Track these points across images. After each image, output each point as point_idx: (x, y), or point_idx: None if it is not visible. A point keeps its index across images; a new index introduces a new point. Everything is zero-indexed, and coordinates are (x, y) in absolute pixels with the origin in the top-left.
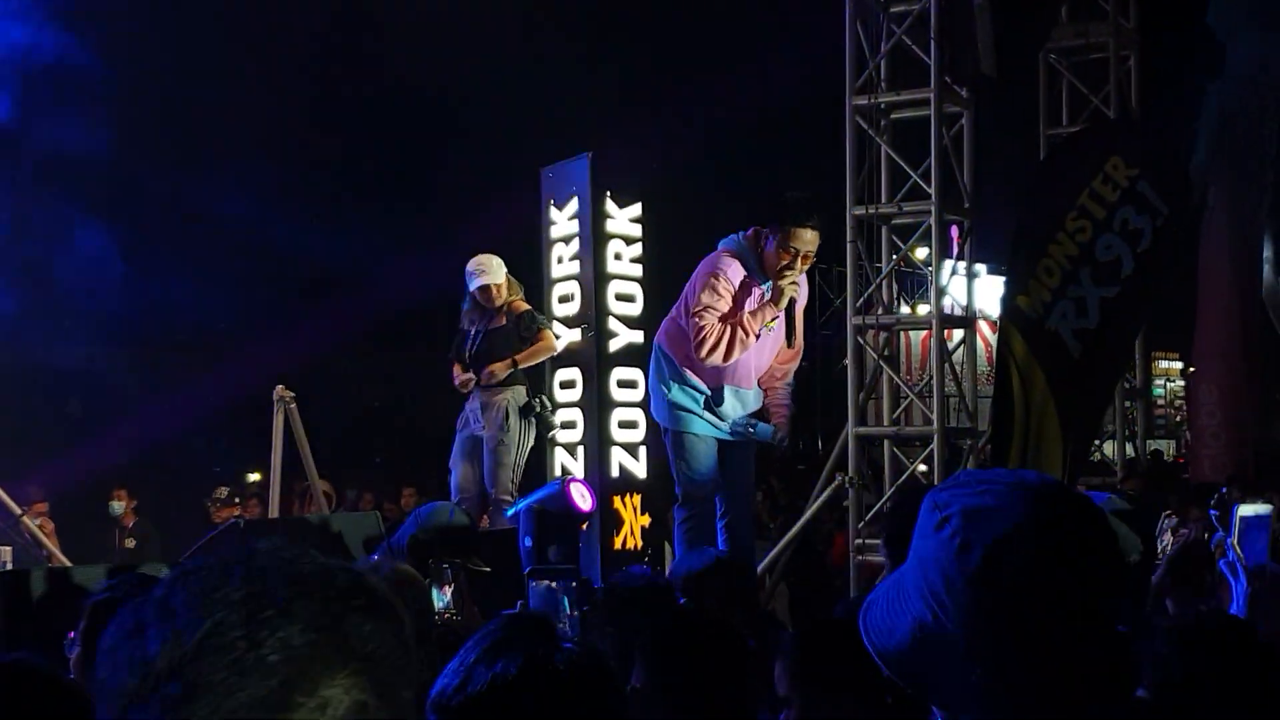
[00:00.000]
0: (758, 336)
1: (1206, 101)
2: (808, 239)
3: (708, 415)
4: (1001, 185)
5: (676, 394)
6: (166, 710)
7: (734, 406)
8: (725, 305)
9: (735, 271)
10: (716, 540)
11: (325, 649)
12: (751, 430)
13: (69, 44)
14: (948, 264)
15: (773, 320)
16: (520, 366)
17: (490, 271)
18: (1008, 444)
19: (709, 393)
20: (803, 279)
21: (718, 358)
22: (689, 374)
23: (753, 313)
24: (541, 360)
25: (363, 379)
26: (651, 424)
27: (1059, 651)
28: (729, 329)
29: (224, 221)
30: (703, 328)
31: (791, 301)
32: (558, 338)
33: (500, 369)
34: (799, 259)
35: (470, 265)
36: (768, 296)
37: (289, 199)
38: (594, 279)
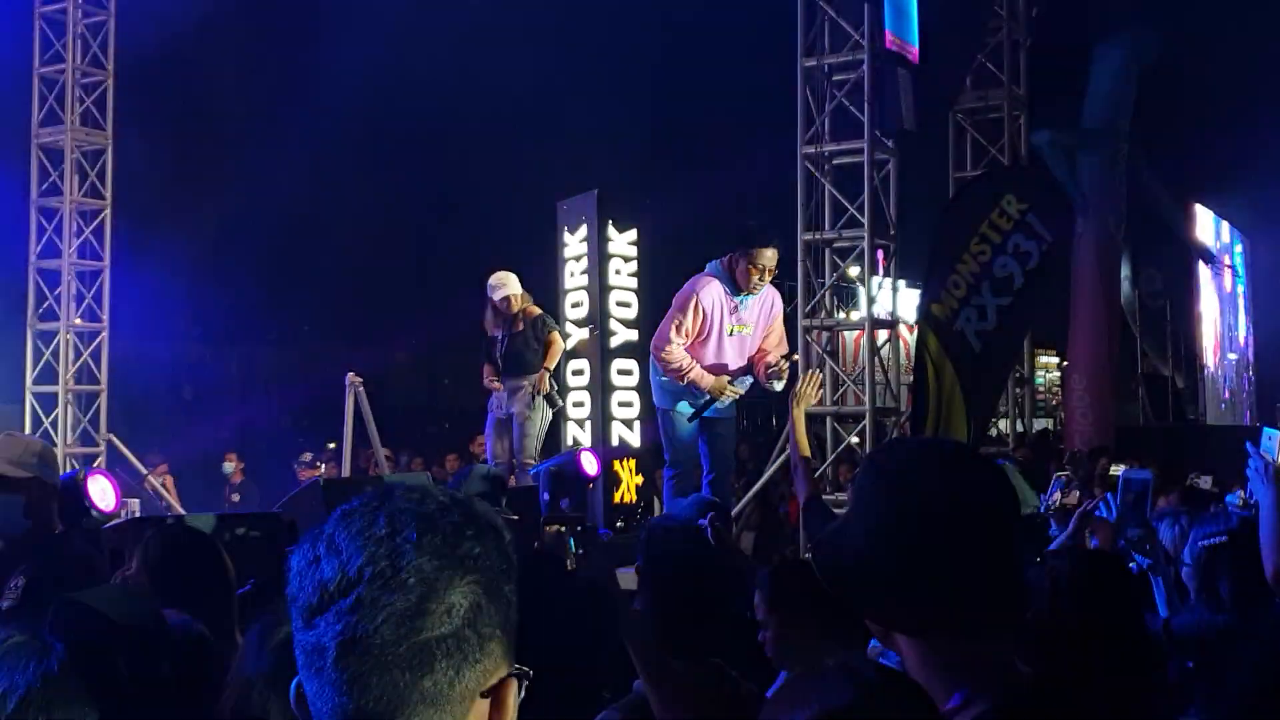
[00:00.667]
0: (731, 335)
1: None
2: (768, 256)
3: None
4: (919, 216)
5: (665, 383)
6: (340, 618)
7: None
8: (686, 330)
9: (709, 292)
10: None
11: (447, 569)
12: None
13: None
14: (876, 279)
15: (742, 326)
16: (552, 369)
17: (508, 285)
18: (924, 420)
19: (698, 399)
20: (774, 291)
21: (692, 375)
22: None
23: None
24: (559, 357)
25: (417, 373)
26: (644, 402)
27: (971, 577)
28: (690, 353)
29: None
30: (668, 363)
31: (773, 310)
32: (566, 336)
33: (542, 382)
34: (764, 273)
35: (492, 280)
36: (741, 309)
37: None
38: (599, 289)
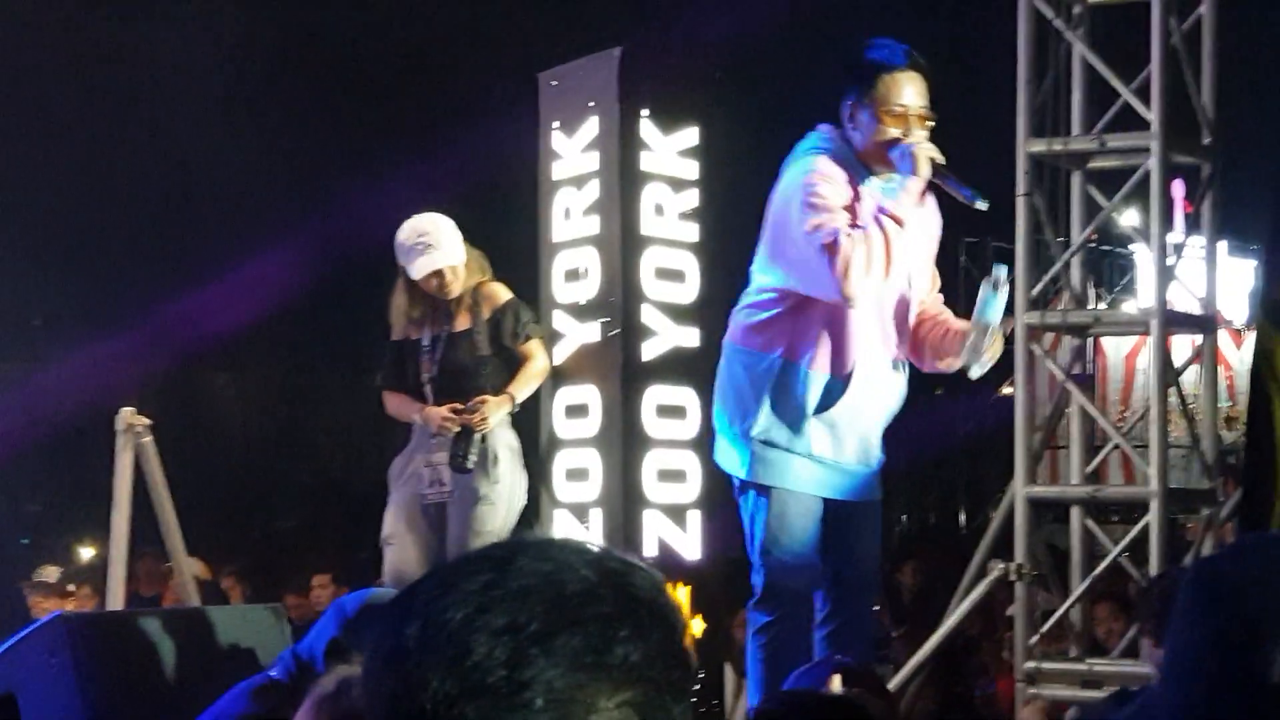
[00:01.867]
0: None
1: None
2: (913, 90)
3: (815, 449)
4: (1262, 110)
5: (764, 421)
6: None
7: (864, 405)
8: (845, 202)
9: (836, 170)
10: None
11: (590, 685)
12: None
13: None
14: (1172, 235)
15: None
16: (519, 402)
17: (440, 243)
18: (1268, 514)
19: (829, 387)
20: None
21: (874, 281)
22: (789, 370)
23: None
24: (540, 382)
25: (250, 393)
26: (709, 469)
27: None
28: (876, 232)
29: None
30: (837, 244)
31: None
32: (556, 340)
33: (495, 408)
34: (914, 120)
35: (404, 235)
36: (897, 192)
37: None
38: (621, 244)
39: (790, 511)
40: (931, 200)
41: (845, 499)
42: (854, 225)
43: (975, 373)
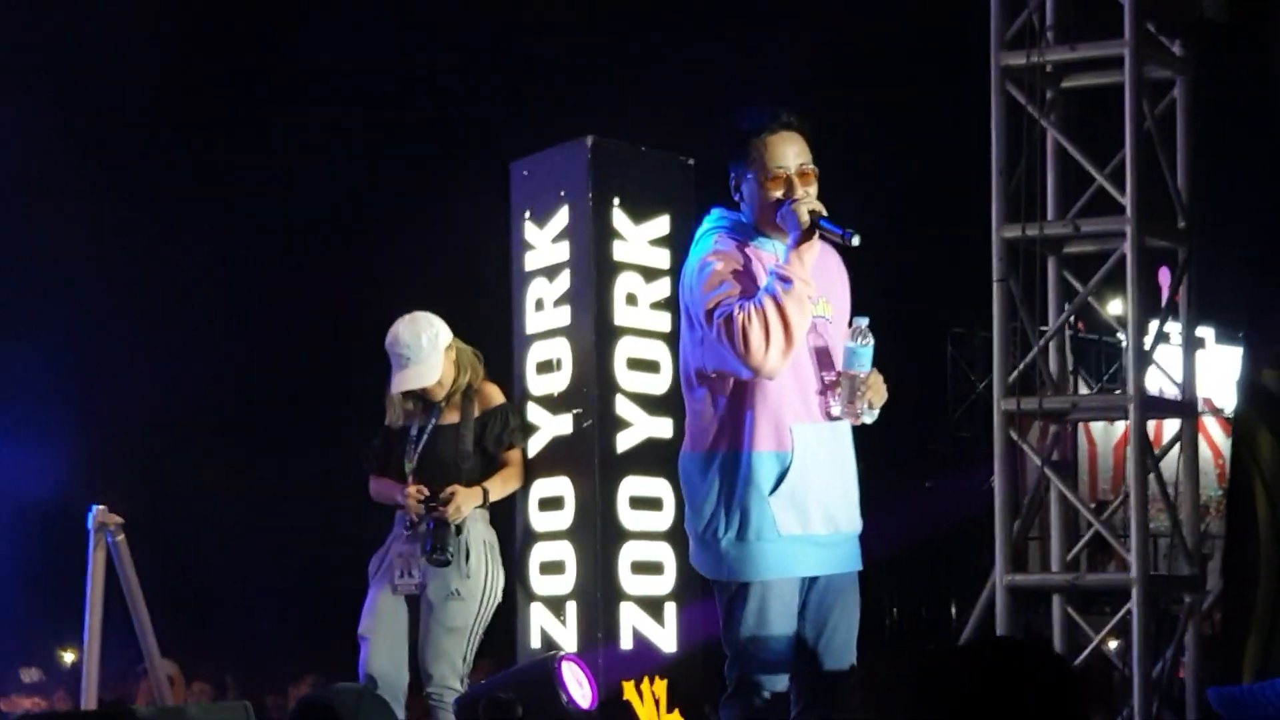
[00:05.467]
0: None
1: None
2: (791, 150)
3: (782, 530)
4: (1238, 191)
5: (725, 519)
6: None
7: (816, 472)
8: (740, 275)
9: (730, 244)
10: None
11: None
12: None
13: None
14: (1153, 323)
15: (815, 305)
16: (492, 499)
17: (418, 359)
18: (1249, 607)
19: (775, 463)
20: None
21: (777, 350)
22: (733, 461)
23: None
24: (517, 487)
25: (228, 484)
26: (687, 565)
27: None
28: (769, 301)
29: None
30: (732, 319)
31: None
32: (532, 432)
33: (467, 499)
34: (796, 178)
35: (389, 339)
36: (788, 252)
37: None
38: (594, 335)
39: (770, 606)
40: (832, 252)
41: (824, 574)
42: (744, 297)
43: (868, 419)
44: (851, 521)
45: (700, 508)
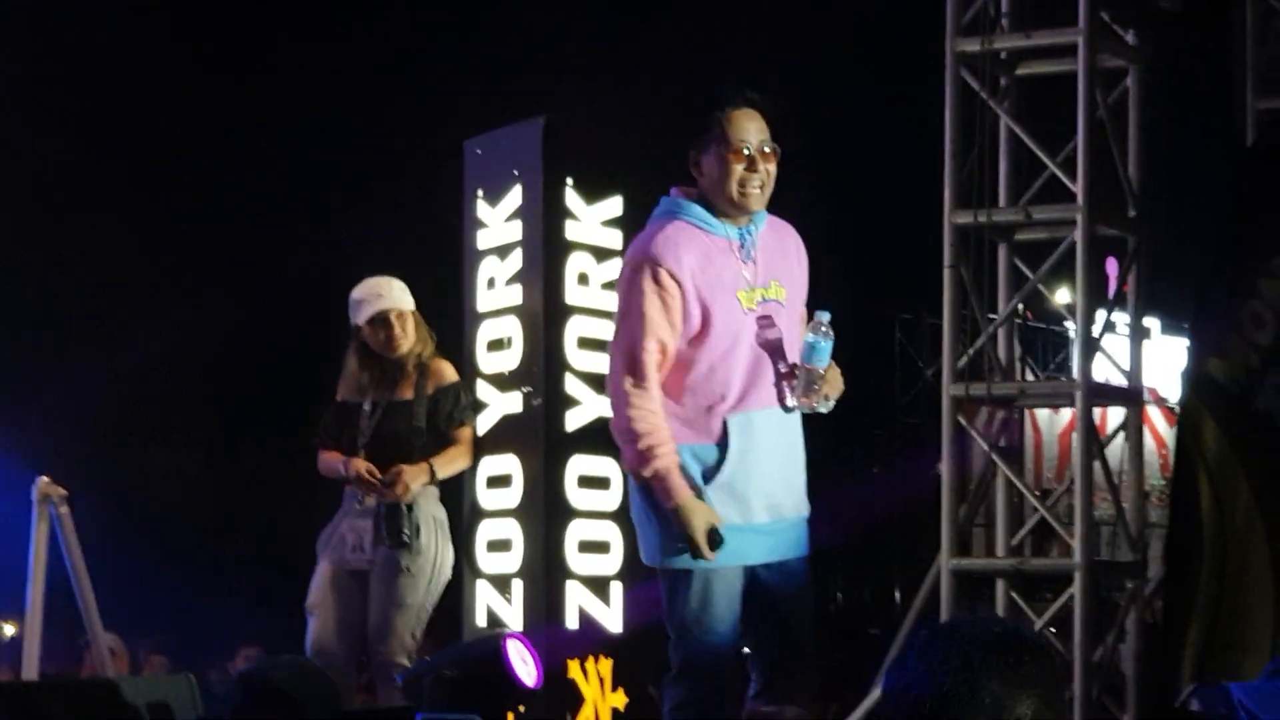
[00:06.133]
0: (754, 310)
1: None
2: (754, 126)
3: (721, 519)
4: (1188, 183)
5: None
6: None
7: (756, 461)
8: (661, 341)
9: (678, 243)
10: None
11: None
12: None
13: None
14: (1101, 313)
15: (766, 289)
16: (439, 477)
17: (390, 293)
18: (1190, 593)
19: (711, 454)
20: (783, 224)
21: (628, 449)
22: (678, 448)
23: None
24: (465, 465)
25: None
26: (630, 542)
27: None
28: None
29: None
30: (633, 432)
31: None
32: (480, 409)
33: (414, 477)
34: (758, 156)
35: (357, 291)
36: (749, 246)
37: None
38: (545, 314)
39: (713, 591)
40: (791, 233)
41: (767, 561)
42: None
43: (823, 409)
44: (797, 507)
45: (642, 495)
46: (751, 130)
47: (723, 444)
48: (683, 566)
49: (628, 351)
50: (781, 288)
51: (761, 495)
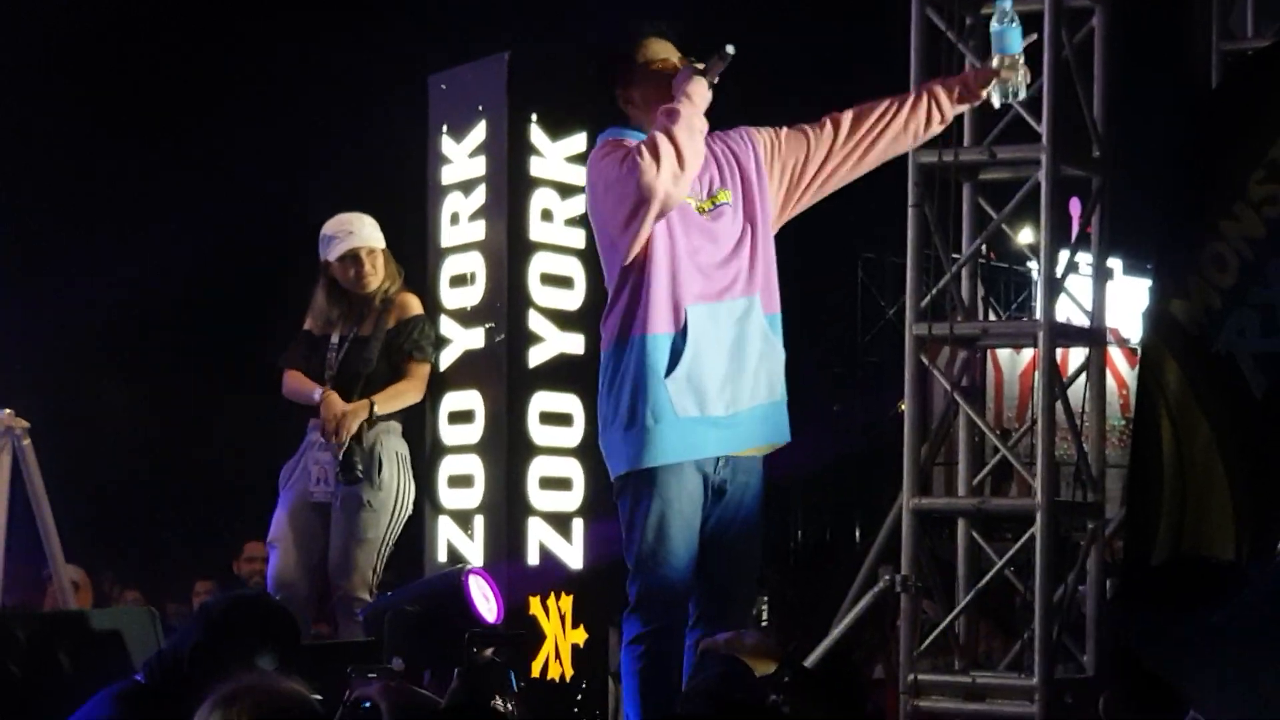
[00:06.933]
0: (705, 213)
1: None
2: (664, 47)
3: (680, 411)
4: (1151, 125)
5: (625, 408)
6: None
7: (716, 352)
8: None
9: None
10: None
11: None
12: None
13: None
14: (1064, 253)
15: (714, 198)
16: (378, 412)
17: (361, 230)
18: (1152, 530)
19: (669, 344)
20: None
21: (668, 169)
22: (629, 346)
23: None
24: (406, 407)
25: (133, 397)
26: (593, 478)
27: None
28: (656, 136)
29: None
30: (630, 153)
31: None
32: (444, 344)
33: (352, 418)
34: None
35: (327, 227)
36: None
37: None
38: (508, 250)
39: (671, 508)
40: (736, 136)
41: (723, 453)
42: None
43: (1023, 94)
44: (755, 396)
45: (606, 397)
46: (666, 50)
47: (683, 333)
48: (641, 466)
49: (619, 166)
50: (727, 191)
51: (717, 386)
